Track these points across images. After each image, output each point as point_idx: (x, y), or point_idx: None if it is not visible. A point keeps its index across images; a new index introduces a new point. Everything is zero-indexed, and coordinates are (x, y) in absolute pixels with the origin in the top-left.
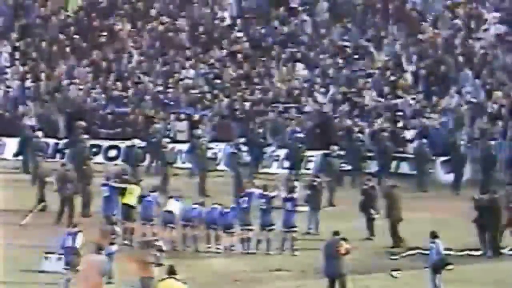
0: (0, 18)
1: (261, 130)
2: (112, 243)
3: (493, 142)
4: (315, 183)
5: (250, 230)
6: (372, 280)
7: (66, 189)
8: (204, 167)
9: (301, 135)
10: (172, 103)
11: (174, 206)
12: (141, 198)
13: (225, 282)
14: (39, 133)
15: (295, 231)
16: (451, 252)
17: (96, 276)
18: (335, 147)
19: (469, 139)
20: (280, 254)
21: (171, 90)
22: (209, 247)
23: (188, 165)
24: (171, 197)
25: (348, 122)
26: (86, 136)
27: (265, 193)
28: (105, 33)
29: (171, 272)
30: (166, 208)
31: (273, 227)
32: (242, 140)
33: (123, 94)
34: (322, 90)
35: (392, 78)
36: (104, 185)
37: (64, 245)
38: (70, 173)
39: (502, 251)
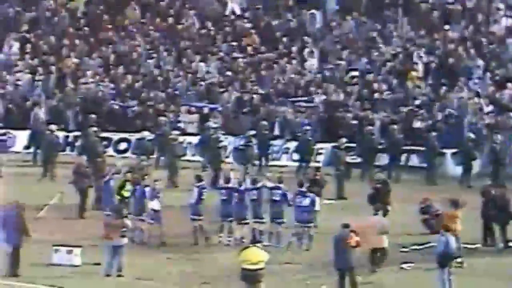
0: (9, 11)
1: (266, 123)
2: (122, 236)
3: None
4: (317, 177)
5: (262, 223)
6: (383, 274)
7: (82, 182)
8: (217, 160)
9: (309, 127)
10: (183, 96)
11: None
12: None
13: (234, 275)
14: (50, 126)
15: (310, 226)
16: (461, 245)
17: (375, 233)
18: (343, 140)
19: (478, 132)
20: (289, 247)
21: (180, 83)
22: (221, 237)
23: (198, 158)
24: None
25: (359, 114)
26: (96, 129)
27: (280, 185)
28: (114, 26)
29: (255, 240)
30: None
31: (281, 220)
32: (252, 133)
33: (132, 87)
34: (332, 82)
35: (402, 70)
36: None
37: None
38: (86, 166)
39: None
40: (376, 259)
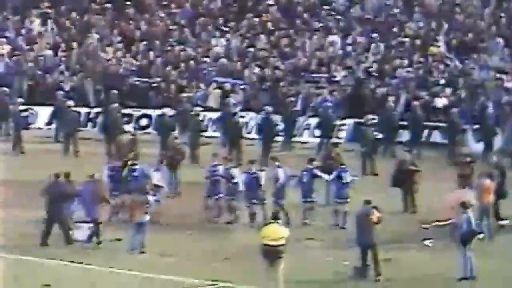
0: None
1: (293, 99)
2: (145, 213)
3: None
4: (333, 153)
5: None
6: (404, 251)
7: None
8: (236, 136)
9: (331, 103)
10: (204, 72)
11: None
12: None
13: (254, 252)
14: (67, 102)
15: (347, 202)
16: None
17: None
18: (370, 116)
19: (499, 108)
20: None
21: (202, 59)
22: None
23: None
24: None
25: (381, 90)
26: (117, 105)
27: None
28: (135, 2)
29: (275, 217)
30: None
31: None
32: (270, 109)
33: (154, 63)
34: (354, 59)
35: (424, 46)
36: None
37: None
38: (126, 143)
39: None
40: None
